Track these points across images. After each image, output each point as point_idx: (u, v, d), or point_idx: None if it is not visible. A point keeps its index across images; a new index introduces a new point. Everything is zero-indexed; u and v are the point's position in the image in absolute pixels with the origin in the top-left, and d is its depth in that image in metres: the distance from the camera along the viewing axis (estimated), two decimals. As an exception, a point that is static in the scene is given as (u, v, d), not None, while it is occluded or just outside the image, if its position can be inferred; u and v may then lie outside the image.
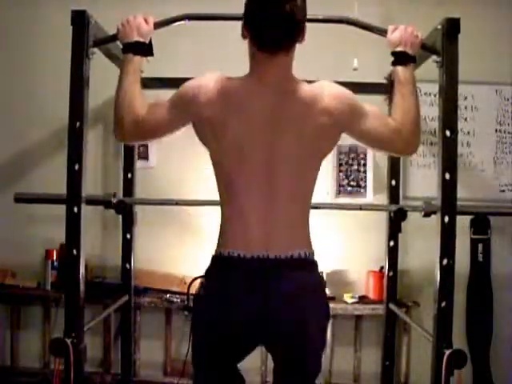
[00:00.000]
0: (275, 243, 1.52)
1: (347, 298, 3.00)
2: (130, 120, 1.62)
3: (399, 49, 1.77)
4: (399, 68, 1.75)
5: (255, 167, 1.53)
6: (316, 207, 2.32)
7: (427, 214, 2.46)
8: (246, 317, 1.51)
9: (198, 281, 1.65)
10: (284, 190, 1.54)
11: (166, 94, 2.75)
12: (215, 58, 2.96)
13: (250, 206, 1.53)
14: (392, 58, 1.80)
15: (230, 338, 1.54)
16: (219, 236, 1.60)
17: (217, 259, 1.57)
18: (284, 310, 1.51)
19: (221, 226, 1.61)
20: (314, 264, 1.60)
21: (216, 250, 1.58)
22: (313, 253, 1.59)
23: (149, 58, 1.83)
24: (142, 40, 1.76)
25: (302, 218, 1.60)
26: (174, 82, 2.79)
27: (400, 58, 1.77)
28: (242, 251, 1.51)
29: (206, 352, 1.58)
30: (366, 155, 3.08)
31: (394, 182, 2.89)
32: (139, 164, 2.98)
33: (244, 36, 1.57)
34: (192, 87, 1.58)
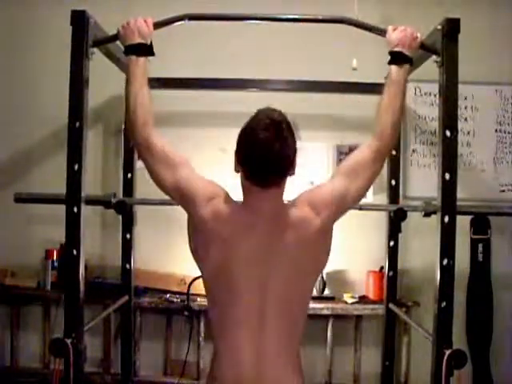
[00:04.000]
0: (267, 376, 1.50)
1: (347, 297, 3.00)
2: (141, 133, 1.62)
3: (397, 49, 1.78)
4: (394, 67, 1.76)
5: (246, 301, 1.51)
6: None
7: (427, 214, 2.46)
8: None
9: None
10: (276, 321, 1.52)
11: (166, 94, 2.78)
12: (215, 58, 2.97)
13: (241, 334, 1.51)
14: (389, 57, 1.80)
15: None
16: (211, 369, 1.58)
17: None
18: None
19: (214, 343, 1.59)
20: None
21: (210, 371, 1.57)
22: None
23: (149, 57, 1.83)
24: (143, 41, 1.77)
25: (295, 346, 1.57)
26: (174, 82, 2.85)
27: (396, 58, 1.77)
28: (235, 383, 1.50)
29: None
30: (365, 155, 3.07)
31: (393, 182, 2.89)
32: (139, 164, 2.96)
33: (236, 170, 1.56)
34: (207, 190, 1.57)
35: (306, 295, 1.62)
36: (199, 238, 1.57)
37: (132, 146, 2.79)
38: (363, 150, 1.67)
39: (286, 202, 1.59)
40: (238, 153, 1.54)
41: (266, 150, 1.47)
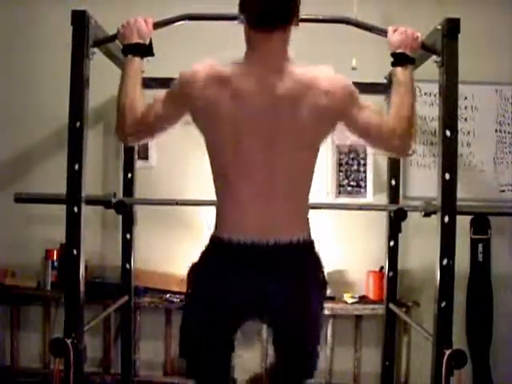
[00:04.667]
0: (274, 228, 1.54)
1: (347, 297, 3.00)
2: (130, 120, 1.64)
3: (399, 50, 1.78)
4: (398, 69, 1.76)
5: (251, 154, 1.53)
6: (316, 207, 2.33)
7: (427, 214, 2.46)
8: (245, 297, 1.56)
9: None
10: (283, 175, 1.55)
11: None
12: (215, 58, 2.97)
13: (247, 193, 1.54)
14: (391, 59, 1.80)
15: (227, 313, 1.59)
16: (217, 219, 1.61)
17: (215, 243, 1.59)
18: (283, 296, 1.56)
19: (218, 210, 1.62)
20: (312, 247, 1.63)
21: (214, 233, 1.60)
22: (310, 235, 1.61)
23: (149, 58, 1.84)
24: (141, 42, 1.77)
25: (302, 201, 1.61)
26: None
27: (399, 60, 1.77)
28: (242, 237, 1.53)
29: (203, 326, 1.60)
30: (366, 155, 3.08)
31: (393, 182, 2.89)
32: (139, 164, 2.98)
33: (240, 20, 1.58)
34: (186, 75, 1.59)
35: (312, 154, 1.61)
36: (205, 110, 1.56)
37: (132, 146, 2.82)
38: (386, 121, 1.65)
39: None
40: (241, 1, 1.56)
41: None
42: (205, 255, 1.64)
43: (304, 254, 1.60)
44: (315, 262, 1.64)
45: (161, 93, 1.66)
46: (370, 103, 1.66)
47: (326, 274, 1.69)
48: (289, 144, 1.54)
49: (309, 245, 1.61)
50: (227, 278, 1.57)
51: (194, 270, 1.68)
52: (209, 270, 1.62)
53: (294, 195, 1.58)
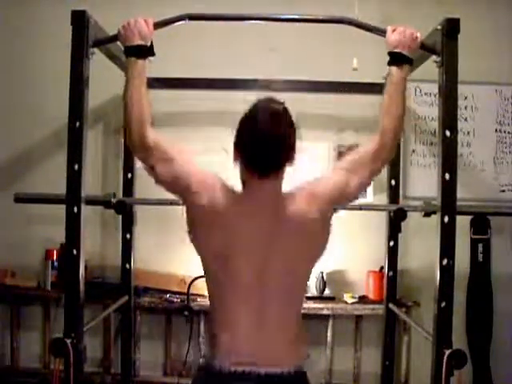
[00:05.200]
0: (266, 358, 1.51)
1: (347, 297, 3.00)
2: (137, 133, 1.61)
3: (397, 50, 1.77)
4: (394, 68, 1.75)
5: (243, 277, 1.52)
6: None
7: (427, 214, 2.46)
8: None
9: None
10: (276, 301, 1.53)
11: (166, 94, 2.79)
12: (215, 58, 2.97)
13: (240, 318, 1.52)
14: (388, 58, 1.80)
15: None
16: (209, 343, 1.59)
17: (206, 371, 1.56)
18: None
19: (210, 333, 1.60)
20: (305, 379, 1.59)
21: (206, 360, 1.58)
22: (302, 367, 1.58)
23: (150, 58, 1.83)
24: (143, 43, 1.77)
25: (294, 329, 1.58)
26: (174, 82, 2.85)
27: (396, 59, 1.77)
28: (233, 366, 1.50)
29: None
30: (366, 155, 3.07)
31: (393, 182, 2.90)
32: (139, 164, 2.96)
33: (235, 158, 1.56)
34: (206, 179, 1.56)
35: (304, 281, 1.63)
36: (198, 227, 1.58)
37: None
38: (365, 148, 1.67)
39: (285, 191, 1.59)
40: (237, 141, 1.55)
41: (265, 136, 1.48)
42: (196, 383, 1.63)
43: None
44: None
45: (186, 152, 1.63)
46: (344, 161, 1.68)
47: None
48: (279, 273, 1.53)
49: (300, 376, 1.58)
50: None
51: None
52: None
53: (286, 321, 1.56)
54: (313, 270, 1.64)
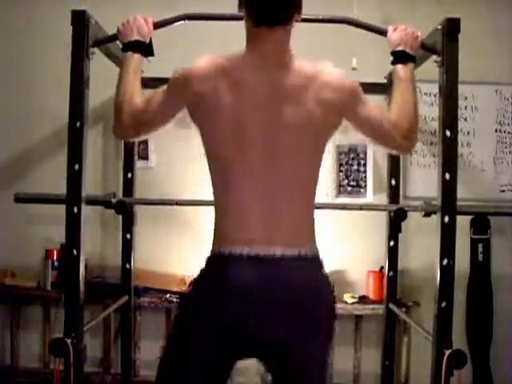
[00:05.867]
0: (279, 240, 1.42)
1: (347, 297, 3.00)
2: (128, 116, 1.60)
3: (399, 48, 1.78)
4: (399, 66, 1.75)
5: (254, 149, 1.44)
6: (316, 207, 2.32)
7: (427, 214, 2.47)
8: (245, 315, 1.39)
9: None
10: (287, 176, 1.46)
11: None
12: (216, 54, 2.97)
13: (249, 196, 1.43)
14: (392, 58, 1.80)
15: (226, 330, 1.41)
16: (216, 230, 1.48)
17: (216, 257, 1.45)
18: (286, 312, 1.41)
19: (217, 218, 1.49)
20: (319, 261, 1.50)
21: (214, 247, 1.46)
22: (316, 248, 1.50)
23: (149, 58, 1.83)
24: (141, 39, 1.77)
25: (307, 209, 1.51)
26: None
27: (400, 57, 1.77)
28: (245, 248, 1.39)
29: (198, 343, 1.45)
30: (365, 155, 3.08)
31: (393, 182, 2.90)
32: (139, 164, 2.98)
33: (240, 11, 1.55)
34: (185, 68, 1.53)
35: (316, 157, 1.56)
36: (203, 110, 1.50)
37: (132, 146, 2.81)
38: (387, 112, 1.63)
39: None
40: None
41: None
42: (205, 271, 1.47)
43: (313, 271, 1.47)
44: (325, 284, 1.51)
45: (158, 89, 1.63)
46: (373, 102, 1.65)
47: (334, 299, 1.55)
48: (291, 140, 1.46)
49: (318, 260, 1.49)
50: (229, 296, 1.41)
51: (194, 287, 1.51)
52: (209, 294, 1.44)
53: (299, 198, 1.48)
54: (325, 146, 1.57)
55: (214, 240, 1.49)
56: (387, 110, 1.68)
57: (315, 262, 1.48)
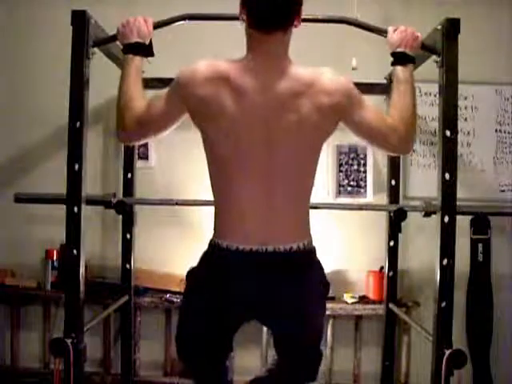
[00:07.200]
0: (275, 234, 1.52)
1: (347, 297, 3.00)
2: (131, 119, 1.62)
3: (399, 49, 1.78)
4: (398, 68, 1.76)
5: (252, 151, 1.51)
6: (316, 207, 2.33)
7: (427, 214, 2.47)
8: (245, 301, 1.55)
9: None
10: (283, 176, 1.52)
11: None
12: (216, 58, 2.96)
13: (246, 194, 1.52)
14: (392, 59, 1.80)
15: (227, 315, 1.59)
16: (216, 223, 1.59)
17: (214, 249, 1.57)
18: (284, 300, 1.56)
19: (216, 213, 1.60)
20: (313, 253, 1.61)
21: (213, 238, 1.58)
22: (311, 242, 1.59)
23: (149, 58, 1.84)
24: (141, 41, 1.77)
25: (302, 206, 1.59)
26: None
27: (399, 59, 1.77)
28: (241, 243, 1.51)
29: (201, 326, 1.61)
30: (365, 155, 3.07)
31: (393, 182, 2.90)
32: (139, 164, 2.98)
33: (241, 17, 1.56)
34: (186, 73, 1.57)
35: (312, 156, 1.60)
36: (204, 112, 1.55)
37: (132, 145, 2.81)
38: (386, 118, 1.65)
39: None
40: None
41: None
42: (204, 260, 1.63)
43: (305, 260, 1.57)
44: (316, 268, 1.63)
45: (160, 92, 1.65)
46: (371, 103, 1.66)
47: (328, 280, 1.67)
48: (289, 142, 1.52)
49: (310, 252, 1.59)
50: (227, 283, 1.55)
51: (193, 273, 1.66)
52: (208, 274, 1.60)
53: (294, 198, 1.55)
54: (321, 147, 1.60)
55: (212, 235, 1.60)
56: (386, 113, 1.69)
57: (309, 252, 1.59)
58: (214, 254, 1.58)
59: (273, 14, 1.51)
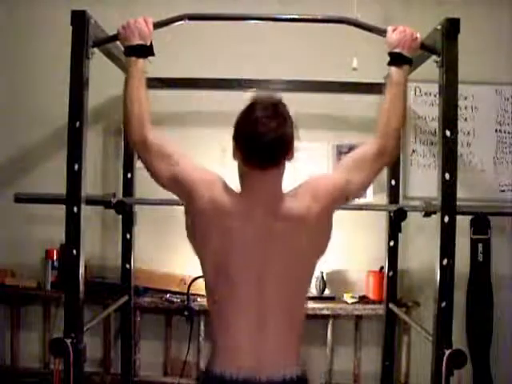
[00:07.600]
0: (267, 364, 1.51)
1: (347, 297, 3.00)
2: (137, 132, 1.63)
3: (396, 50, 1.78)
4: (393, 69, 1.76)
5: (244, 288, 1.51)
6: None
7: (427, 214, 2.46)
8: None
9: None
10: (275, 308, 1.52)
11: (166, 94, 2.78)
12: (215, 58, 2.97)
13: (240, 322, 1.52)
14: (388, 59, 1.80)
15: None
16: (211, 351, 1.60)
17: (209, 375, 1.55)
18: None
19: (211, 337, 1.61)
20: (305, 380, 1.58)
21: (208, 366, 1.58)
22: (304, 371, 1.57)
23: (150, 57, 1.84)
24: (143, 43, 1.77)
25: (296, 334, 1.58)
26: (175, 82, 2.84)
27: (395, 59, 1.77)
28: (234, 372, 1.49)
29: None
30: (365, 155, 3.07)
31: (393, 182, 2.89)
32: (139, 164, 2.95)
33: (234, 156, 1.56)
34: (205, 180, 1.57)
35: (305, 282, 1.62)
36: (197, 230, 1.57)
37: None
38: (366, 148, 1.67)
39: (286, 189, 1.58)
40: (235, 135, 1.54)
41: (263, 128, 1.47)
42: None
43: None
44: None
45: (186, 155, 1.66)
46: (352, 159, 1.67)
47: None
48: (280, 275, 1.52)
49: (303, 382, 1.57)
50: None
51: None
52: None
53: (287, 325, 1.55)
54: (314, 271, 1.62)
55: (210, 355, 1.61)
56: (363, 151, 1.67)
57: (301, 381, 1.56)
58: (210, 382, 1.56)
59: (262, 159, 1.50)
